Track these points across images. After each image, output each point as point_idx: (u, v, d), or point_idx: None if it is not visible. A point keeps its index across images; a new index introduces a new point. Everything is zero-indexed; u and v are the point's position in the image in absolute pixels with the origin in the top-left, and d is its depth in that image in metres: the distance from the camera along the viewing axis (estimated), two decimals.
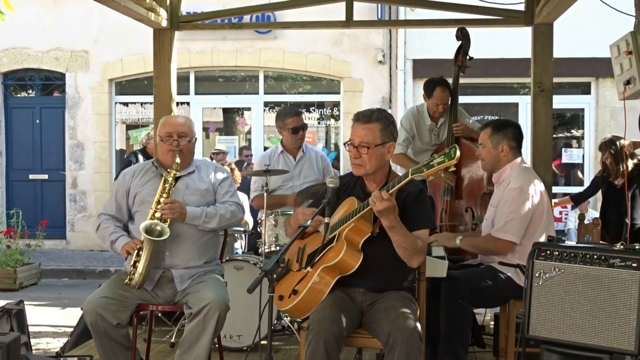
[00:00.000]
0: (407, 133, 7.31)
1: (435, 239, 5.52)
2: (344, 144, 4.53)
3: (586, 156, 15.58)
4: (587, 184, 14.84)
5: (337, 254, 4.28)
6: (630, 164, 8.27)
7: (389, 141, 4.46)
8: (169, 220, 5.02)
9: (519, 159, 5.48)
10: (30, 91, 16.92)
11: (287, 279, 4.51)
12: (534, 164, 7.02)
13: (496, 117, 14.99)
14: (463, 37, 7.31)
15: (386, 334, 4.11)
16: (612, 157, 8.40)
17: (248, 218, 8.96)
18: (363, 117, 4.45)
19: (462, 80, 7.40)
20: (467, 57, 7.29)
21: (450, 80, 7.32)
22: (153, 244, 4.92)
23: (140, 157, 10.23)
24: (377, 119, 4.44)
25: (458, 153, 3.88)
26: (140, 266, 4.93)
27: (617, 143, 8.34)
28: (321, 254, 4.38)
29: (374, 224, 4.34)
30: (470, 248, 5.61)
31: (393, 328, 4.10)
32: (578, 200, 10.03)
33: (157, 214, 5.02)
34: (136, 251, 4.98)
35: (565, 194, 13.69)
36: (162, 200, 5.05)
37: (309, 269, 4.40)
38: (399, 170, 7.63)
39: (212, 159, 12.79)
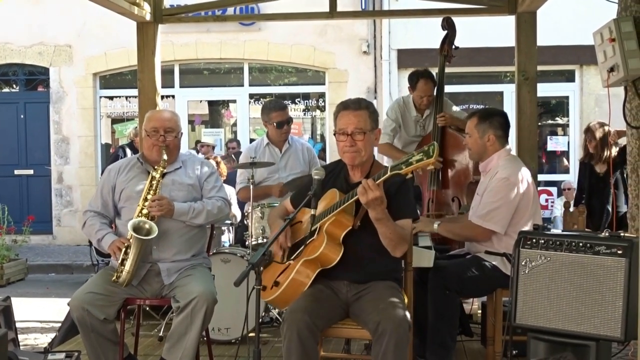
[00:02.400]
0: (393, 123, 7.32)
1: (413, 226, 5.52)
2: (334, 134, 4.50)
3: (571, 143, 15.63)
4: (572, 171, 14.96)
5: (317, 248, 4.28)
6: (614, 151, 8.29)
7: (376, 127, 4.49)
8: (156, 217, 5.01)
9: (506, 148, 5.48)
10: (14, 86, 16.85)
11: (270, 269, 4.52)
12: (519, 152, 7.04)
13: (481, 106, 15.01)
14: (449, 26, 7.31)
15: (375, 322, 4.11)
16: (600, 140, 8.40)
17: (236, 211, 8.95)
18: (353, 104, 4.44)
19: (446, 70, 7.39)
20: (453, 47, 7.30)
21: (436, 70, 7.33)
22: (141, 242, 4.91)
23: (128, 152, 10.21)
24: (367, 104, 4.47)
25: (437, 151, 3.87)
26: (128, 264, 4.92)
27: (604, 128, 8.35)
28: (302, 247, 4.39)
29: (355, 217, 4.33)
30: (447, 233, 5.59)
31: (382, 317, 4.10)
32: (580, 196, 9.71)
33: (145, 211, 5.01)
34: (124, 249, 4.97)
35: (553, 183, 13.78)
36: (149, 197, 5.04)
37: (290, 261, 4.41)
38: (385, 160, 7.67)
39: (197, 151, 12.79)
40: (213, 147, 13.69)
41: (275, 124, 7.09)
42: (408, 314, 4.22)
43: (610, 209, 8.25)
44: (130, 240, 4.94)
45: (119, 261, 4.96)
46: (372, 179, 4.08)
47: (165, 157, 5.12)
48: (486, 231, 5.25)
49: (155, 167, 5.15)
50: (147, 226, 4.96)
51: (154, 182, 5.09)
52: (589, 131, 8.60)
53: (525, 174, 5.37)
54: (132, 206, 5.10)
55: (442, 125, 7.00)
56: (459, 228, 5.52)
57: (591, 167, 8.68)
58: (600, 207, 8.48)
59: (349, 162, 4.49)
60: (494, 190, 5.27)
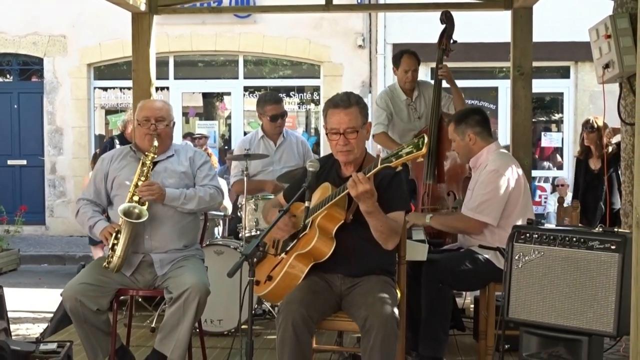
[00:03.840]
0: (384, 111, 7.31)
1: (406, 219, 5.53)
2: (326, 134, 4.48)
3: (565, 140, 15.65)
4: (566, 167, 14.97)
5: (309, 242, 4.28)
6: (610, 147, 8.31)
7: (367, 121, 4.46)
8: (147, 203, 5.01)
9: (494, 144, 5.49)
10: (8, 76, 16.81)
11: (264, 263, 4.52)
12: (514, 147, 7.04)
13: (476, 102, 15.04)
14: (447, 20, 7.31)
15: (363, 318, 4.12)
16: (598, 132, 8.42)
17: (227, 203, 8.94)
18: (343, 103, 4.38)
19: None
20: (451, 41, 7.29)
21: (433, 65, 7.34)
22: (131, 226, 4.91)
23: (117, 143, 10.11)
24: (356, 102, 4.41)
25: (426, 145, 3.87)
26: (119, 249, 4.92)
27: (603, 122, 8.38)
28: (295, 241, 4.38)
29: (347, 211, 4.33)
30: (440, 226, 5.62)
31: (370, 313, 4.11)
32: (577, 194, 9.62)
33: (135, 197, 5.00)
34: (114, 234, 4.97)
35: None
36: (140, 183, 5.03)
37: (283, 255, 4.41)
38: (378, 149, 7.66)
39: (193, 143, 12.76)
40: (207, 138, 13.67)
41: (269, 117, 7.09)
42: (396, 310, 4.21)
43: (603, 205, 8.27)
44: (121, 225, 4.94)
45: (110, 246, 4.96)
46: (363, 172, 4.08)
47: (156, 143, 5.11)
48: (479, 223, 5.26)
49: (146, 153, 5.14)
50: (137, 211, 4.96)
51: (145, 169, 5.07)
52: (588, 123, 8.61)
53: (514, 168, 5.38)
54: (124, 194, 5.08)
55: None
56: (452, 220, 5.55)
57: (586, 163, 8.70)
58: (594, 204, 8.50)
59: (343, 160, 4.48)
60: (485, 183, 5.29)
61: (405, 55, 7.29)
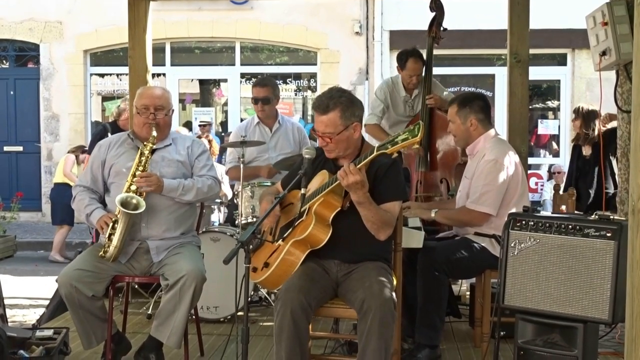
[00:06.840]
0: (381, 104, 7.29)
1: (410, 210, 5.53)
2: (312, 129, 4.49)
3: (562, 127, 15.65)
4: (562, 154, 14.98)
5: (306, 229, 4.28)
6: (595, 131, 8.33)
7: (352, 123, 4.37)
8: (144, 193, 5.00)
9: (492, 131, 5.47)
10: (4, 62, 16.76)
11: (261, 250, 4.53)
12: (510, 135, 7.03)
13: (473, 89, 15.03)
14: (437, 8, 7.30)
15: (360, 300, 4.13)
16: (583, 119, 8.45)
17: (226, 189, 8.93)
18: (319, 108, 4.34)
19: (438, 52, 7.37)
20: (441, 28, 7.28)
21: (424, 52, 7.31)
22: (128, 217, 4.90)
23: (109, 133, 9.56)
24: (335, 105, 4.32)
25: (422, 131, 3.87)
26: (115, 239, 4.91)
27: (589, 108, 8.39)
28: (292, 228, 4.39)
29: (344, 198, 4.32)
30: (445, 220, 5.63)
31: (368, 294, 4.11)
32: (570, 180, 9.71)
33: (133, 187, 4.99)
34: (111, 224, 4.96)
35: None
36: (138, 173, 5.02)
37: (280, 242, 4.41)
38: (373, 141, 7.65)
39: (189, 129, 12.74)
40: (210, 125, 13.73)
41: (252, 99, 7.13)
42: (394, 293, 4.23)
43: (592, 192, 8.30)
44: (118, 215, 4.94)
45: (107, 236, 4.96)
46: (354, 163, 4.09)
47: (154, 133, 5.10)
48: (482, 215, 5.26)
49: (145, 143, 5.13)
50: (134, 201, 4.94)
51: (143, 158, 5.06)
52: (574, 111, 8.66)
53: (512, 156, 5.37)
54: (121, 182, 5.08)
55: (431, 106, 6.99)
56: (456, 214, 5.51)
57: (580, 150, 8.72)
58: (585, 190, 8.52)
59: (328, 156, 4.50)
60: (484, 173, 5.28)
61: (412, 60, 7.11)
